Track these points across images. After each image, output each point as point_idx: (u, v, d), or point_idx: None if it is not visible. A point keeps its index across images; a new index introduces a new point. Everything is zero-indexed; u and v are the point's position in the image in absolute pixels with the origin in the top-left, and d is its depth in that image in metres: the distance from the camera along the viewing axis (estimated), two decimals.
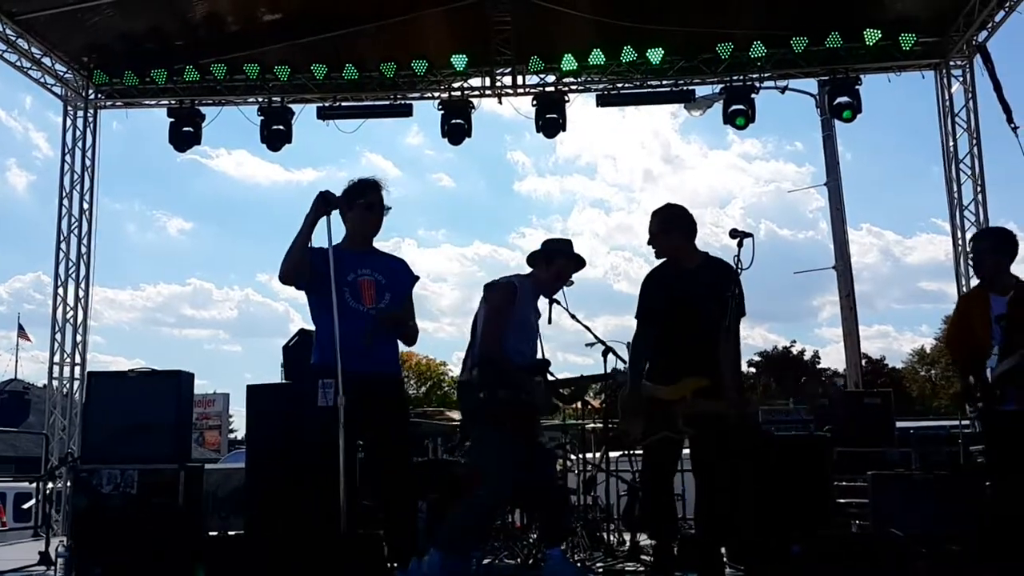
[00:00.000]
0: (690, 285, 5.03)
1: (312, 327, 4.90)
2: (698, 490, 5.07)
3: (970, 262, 10.48)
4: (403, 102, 11.56)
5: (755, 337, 69.76)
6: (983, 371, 5.23)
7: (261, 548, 4.78)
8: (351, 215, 4.84)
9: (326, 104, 11.51)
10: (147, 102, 12.01)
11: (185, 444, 6.74)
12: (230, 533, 6.61)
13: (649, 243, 5.21)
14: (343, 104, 11.56)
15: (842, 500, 7.19)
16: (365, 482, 4.94)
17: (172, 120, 11.64)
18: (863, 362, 15.88)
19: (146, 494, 6.09)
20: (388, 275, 4.87)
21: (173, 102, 11.73)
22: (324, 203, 4.61)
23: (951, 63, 11.02)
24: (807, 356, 44.68)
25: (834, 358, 49.48)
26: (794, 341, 46.70)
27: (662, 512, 5.14)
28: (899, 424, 9.67)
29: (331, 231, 4.65)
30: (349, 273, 4.72)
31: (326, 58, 11.11)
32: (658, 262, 5.25)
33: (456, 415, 7.85)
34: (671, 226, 5.16)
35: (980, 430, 6.16)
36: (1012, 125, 10.25)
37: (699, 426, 4.86)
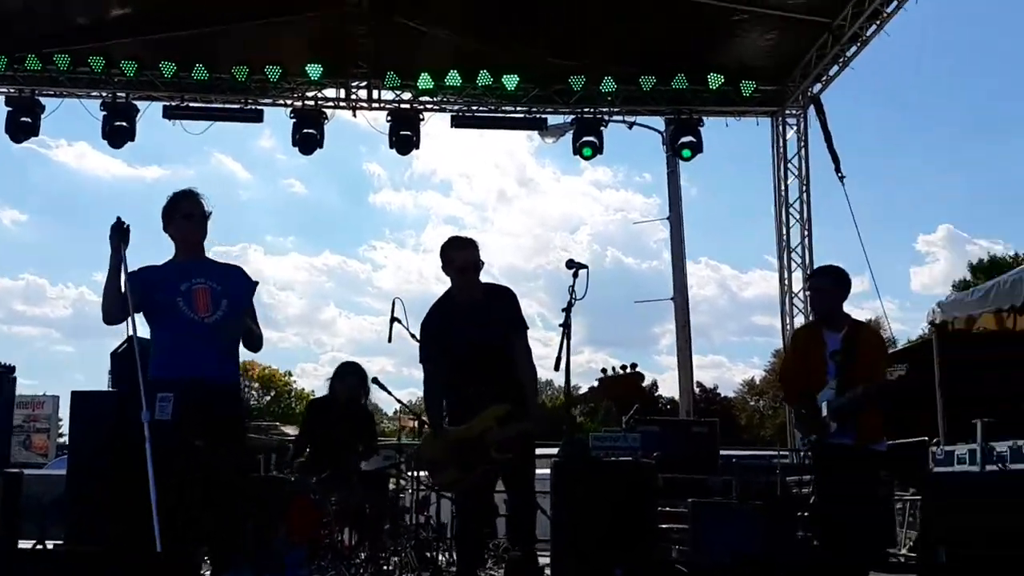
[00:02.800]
0: (471, 316, 5.13)
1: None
2: (513, 510, 5.18)
3: (799, 299, 11.21)
4: (254, 107, 11.35)
5: (598, 361, 71.36)
6: (814, 404, 5.38)
7: (70, 562, 4.55)
8: (172, 229, 4.74)
9: (173, 103, 11.17)
10: None
11: (3, 448, 6.37)
12: (47, 544, 6.28)
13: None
14: (191, 105, 11.25)
15: (665, 525, 7.43)
16: (195, 496, 4.80)
17: (10, 109, 11.10)
18: (697, 390, 16.48)
19: None
20: (223, 282, 4.73)
21: (12, 91, 11.17)
22: (119, 234, 4.50)
23: (787, 111, 11.67)
24: (646, 382, 46.10)
25: (671, 385, 51.15)
26: (635, 364, 47.95)
27: (475, 559, 5.29)
28: (725, 452, 10.08)
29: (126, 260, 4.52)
30: (182, 283, 4.60)
31: (176, 56, 10.80)
32: (439, 297, 5.35)
33: (293, 431, 7.72)
34: (442, 265, 5.26)
35: (809, 461, 6.39)
36: (839, 175, 10.94)
37: (513, 448, 4.94)
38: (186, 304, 4.57)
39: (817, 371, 5.40)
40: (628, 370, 5.09)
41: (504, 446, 4.91)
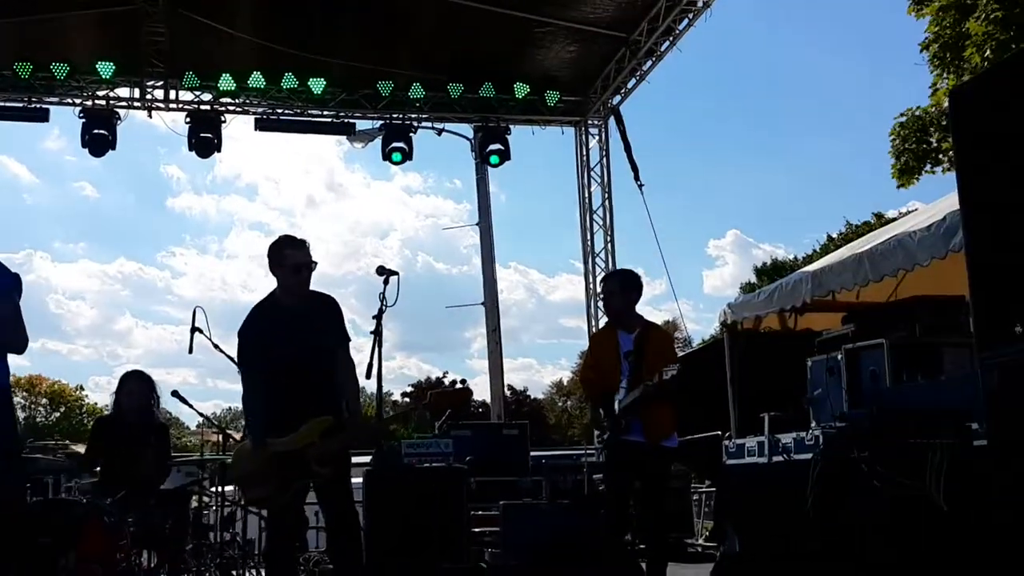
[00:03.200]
0: (295, 322, 4.93)
1: None
2: (332, 528, 5.05)
3: (600, 302, 11.56)
4: (39, 106, 10.63)
5: (410, 367, 71.43)
6: (612, 404, 5.56)
7: None
8: None
9: None
10: None
11: None
12: None
13: None
14: None
15: (478, 529, 7.48)
16: None
17: None
18: (508, 393, 16.70)
19: None
20: None
21: None
22: None
23: (589, 122, 12.04)
24: (458, 387, 46.21)
25: (482, 388, 51.72)
26: (447, 372, 48.27)
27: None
28: (535, 453, 10.27)
29: None
30: None
31: None
32: (261, 300, 5.12)
33: (82, 448, 7.27)
34: (271, 264, 5.04)
35: (603, 458, 6.61)
36: (639, 183, 11.38)
37: (333, 463, 4.80)
38: None
39: (612, 371, 5.60)
40: (458, 385, 5.12)
41: (324, 460, 4.75)
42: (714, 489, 9.97)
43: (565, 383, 50.34)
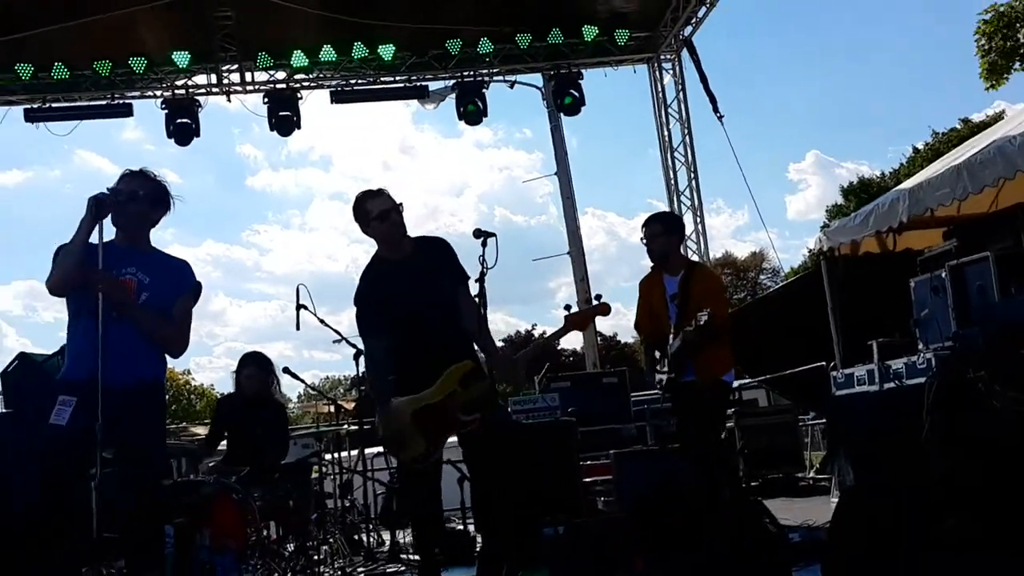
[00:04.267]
0: (405, 276, 4.81)
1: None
2: (475, 480, 5.04)
3: (692, 241, 11.44)
4: (122, 102, 10.89)
5: (496, 322, 71.85)
6: (666, 347, 5.55)
7: None
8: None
9: (35, 106, 10.64)
10: None
11: None
12: None
13: None
14: (54, 105, 10.73)
15: (588, 479, 7.53)
16: (107, 511, 4.58)
17: None
18: (598, 339, 16.70)
19: None
20: (154, 275, 4.28)
21: None
22: (98, 207, 4.03)
23: (662, 57, 11.80)
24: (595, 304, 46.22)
25: (572, 339, 51.80)
26: (535, 324, 48.40)
27: (438, 535, 5.07)
28: (634, 397, 10.27)
29: (103, 237, 4.07)
30: (112, 271, 4.11)
31: (33, 57, 10.26)
32: (368, 263, 5.01)
33: (202, 430, 7.54)
34: (360, 225, 4.97)
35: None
36: (718, 114, 11.16)
37: (481, 407, 4.65)
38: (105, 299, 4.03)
39: (662, 315, 5.59)
40: (596, 302, 4.90)
41: (470, 408, 4.62)
42: (821, 421, 9.85)
43: None
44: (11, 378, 6.66)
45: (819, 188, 62.50)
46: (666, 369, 5.54)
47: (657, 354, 5.66)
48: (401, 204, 4.91)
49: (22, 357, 6.71)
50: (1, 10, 9.74)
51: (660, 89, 11.93)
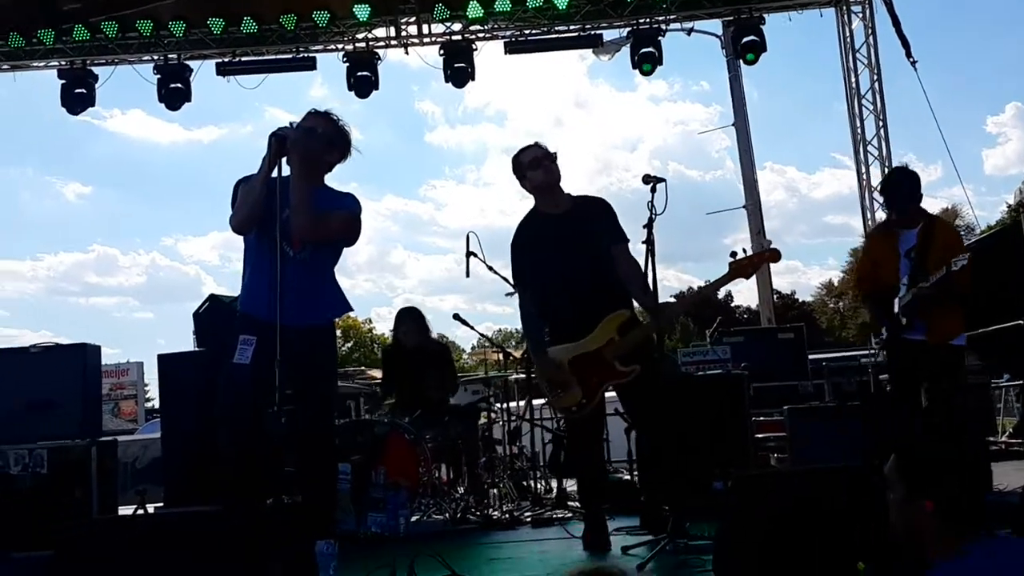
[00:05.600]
0: (563, 227, 4.84)
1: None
2: (641, 432, 4.99)
3: (878, 197, 10.86)
4: (306, 55, 11.22)
5: (669, 278, 71.08)
6: (890, 302, 5.32)
7: (177, 523, 4.62)
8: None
9: (225, 60, 11.13)
10: (35, 64, 11.44)
11: (95, 418, 6.49)
12: (148, 508, 6.43)
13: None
14: (243, 59, 11.18)
15: (760, 435, 7.34)
16: (288, 446, 4.77)
17: (63, 82, 11.13)
18: (775, 297, 16.22)
19: (57, 473, 5.87)
20: (325, 209, 4.35)
21: (63, 63, 11.20)
22: (277, 143, 4.11)
23: (851, 0, 11.16)
24: (720, 295, 45.65)
25: (746, 295, 50.69)
26: (708, 280, 47.54)
27: (602, 486, 5.04)
28: (811, 356, 9.92)
29: (281, 173, 4.16)
30: (285, 210, 4.15)
31: (223, 12, 10.71)
32: (524, 215, 5.06)
33: (378, 374, 7.79)
34: (518, 179, 4.99)
35: (885, 359, 6.30)
36: (911, 60, 10.47)
37: (639, 359, 4.66)
38: (283, 235, 4.11)
39: (890, 269, 5.34)
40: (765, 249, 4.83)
41: (628, 357, 4.64)
42: (1017, 383, 9.24)
43: (835, 283, 48.30)
44: (202, 318, 7.04)
45: (1020, 141, 58.25)
46: (888, 324, 5.32)
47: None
48: (555, 153, 4.88)
49: (212, 299, 7.09)
50: None
51: (848, 34, 11.31)
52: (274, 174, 4.17)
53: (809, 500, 3.22)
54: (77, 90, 11.13)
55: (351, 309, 4.68)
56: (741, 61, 11.42)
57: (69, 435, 6.04)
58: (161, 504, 6.52)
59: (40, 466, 5.88)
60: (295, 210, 4.18)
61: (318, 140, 4.35)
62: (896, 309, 5.26)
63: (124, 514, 6.13)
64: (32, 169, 73.52)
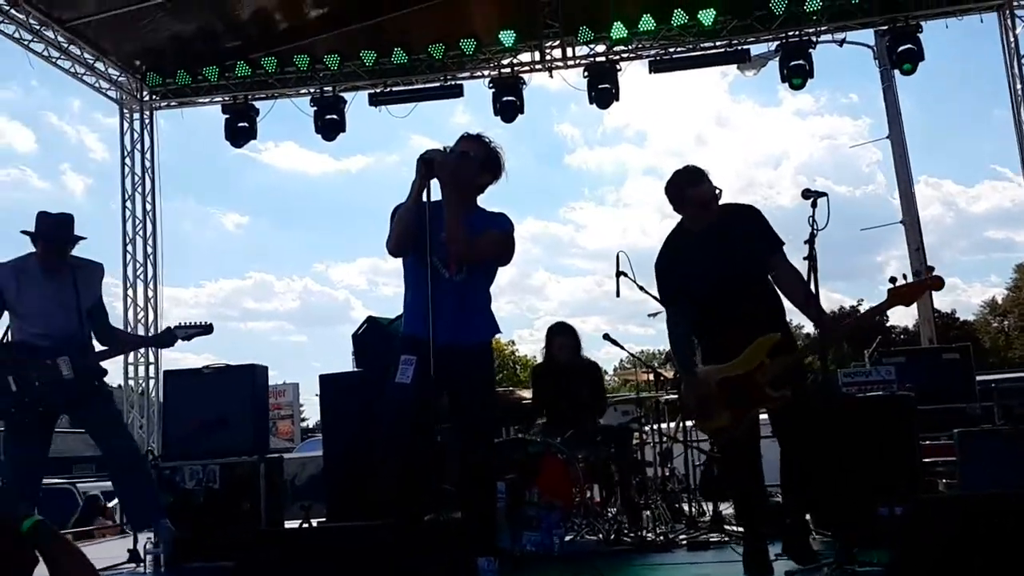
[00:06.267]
0: (711, 242, 4.66)
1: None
2: (784, 455, 4.84)
3: None
4: (453, 83, 11.49)
5: (824, 296, 68.79)
6: None
7: (341, 537, 4.75)
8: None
9: (377, 90, 11.51)
10: (201, 100, 12.12)
11: (263, 436, 6.79)
12: (312, 522, 6.65)
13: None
14: (394, 89, 11.54)
15: (927, 460, 7.02)
16: (448, 464, 4.84)
17: (227, 116, 11.73)
18: (935, 316, 15.54)
19: (228, 487, 6.16)
20: (478, 232, 4.39)
21: (227, 98, 11.81)
22: (425, 166, 4.21)
23: (1015, 3, 10.63)
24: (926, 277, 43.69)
25: (901, 314, 48.56)
26: (861, 300, 45.68)
27: (761, 509, 4.85)
28: (978, 377, 9.43)
29: (430, 197, 4.25)
30: (441, 232, 4.27)
31: (374, 44, 11.11)
32: (670, 232, 4.90)
33: (527, 393, 7.84)
34: (674, 206, 4.81)
35: None
36: None
37: (791, 383, 4.51)
38: (440, 259, 4.28)
39: None
40: (926, 275, 4.48)
41: (778, 382, 4.47)
42: None
43: (1000, 301, 45.81)
44: (362, 340, 7.27)
45: None
46: None
47: None
48: (720, 191, 4.76)
49: (370, 321, 7.32)
50: (346, 3, 10.61)
51: (1012, 39, 10.76)
52: (424, 197, 4.27)
53: (990, 526, 3.05)
54: (240, 124, 11.71)
55: (499, 331, 4.72)
56: (896, 71, 11.05)
57: (240, 451, 6.33)
58: (324, 519, 6.74)
59: (213, 481, 6.18)
60: (449, 234, 4.28)
61: (470, 163, 4.44)
62: None
63: (291, 527, 6.36)
64: (194, 200, 77.55)
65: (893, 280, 4.43)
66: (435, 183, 4.29)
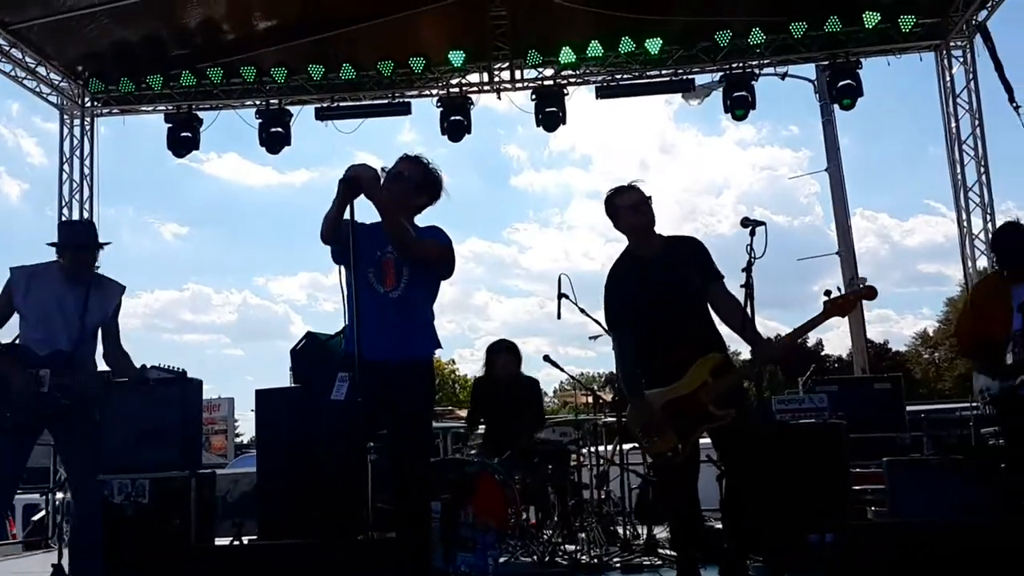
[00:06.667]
0: (657, 269, 4.81)
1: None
2: (727, 478, 4.90)
3: (980, 241, 10.57)
4: (401, 100, 11.50)
5: (758, 326, 69.68)
6: (1001, 356, 5.17)
7: (274, 555, 4.71)
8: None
9: (324, 105, 11.46)
10: (144, 108, 11.94)
11: (195, 451, 6.66)
12: (243, 539, 6.54)
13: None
14: (341, 104, 11.50)
15: (856, 487, 7.14)
16: (381, 482, 4.81)
17: (170, 126, 11.57)
18: (868, 346, 15.85)
19: (158, 503, 6.03)
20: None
21: (170, 108, 11.66)
22: (348, 188, 4.17)
23: (951, 44, 10.97)
24: (811, 343, 44.67)
25: (835, 344, 49.41)
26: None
27: (696, 534, 4.94)
28: (908, 408, 9.63)
29: (354, 215, 4.23)
30: (376, 251, 4.35)
31: (323, 59, 11.06)
32: (617, 258, 5.04)
33: (464, 412, 7.84)
34: (612, 220, 4.98)
35: (993, 413, 6.12)
36: (1014, 104, 10.20)
37: (734, 403, 4.59)
38: (375, 275, 4.35)
39: (1000, 322, 5.22)
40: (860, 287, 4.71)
41: (722, 401, 4.55)
42: None
43: (931, 333, 46.87)
44: (300, 355, 7.19)
45: None
46: (995, 379, 5.25)
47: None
48: (650, 197, 4.90)
49: (309, 336, 7.24)
50: (295, 16, 10.56)
51: (948, 79, 11.08)
52: (347, 214, 4.22)
53: (920, 554, 3.12)
54: (183, 133, 11.56)
55: (440, 346, 4.69)
56: (836, 105, 11.30)
57: (170, 466, 6.20)
58: (255, 536, 6.63)
59: (142, 496, 6.05)
60: (391, 232, 4.28)
61: (404, 184, 4.44)
62: (1009, 362, 5.12)
63: (221, 544, 6.24)
64: (132, 209, 76.27)
65: (828, 292, 4.58)
66: (370, 205, 4.27)
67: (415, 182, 4.50)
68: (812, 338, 44.41)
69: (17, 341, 5.44)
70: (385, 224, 4.29)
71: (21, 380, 5.19)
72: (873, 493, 7.17)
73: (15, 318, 5.45)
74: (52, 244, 5.48)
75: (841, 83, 10.63)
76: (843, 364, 37.49)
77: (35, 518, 11.77)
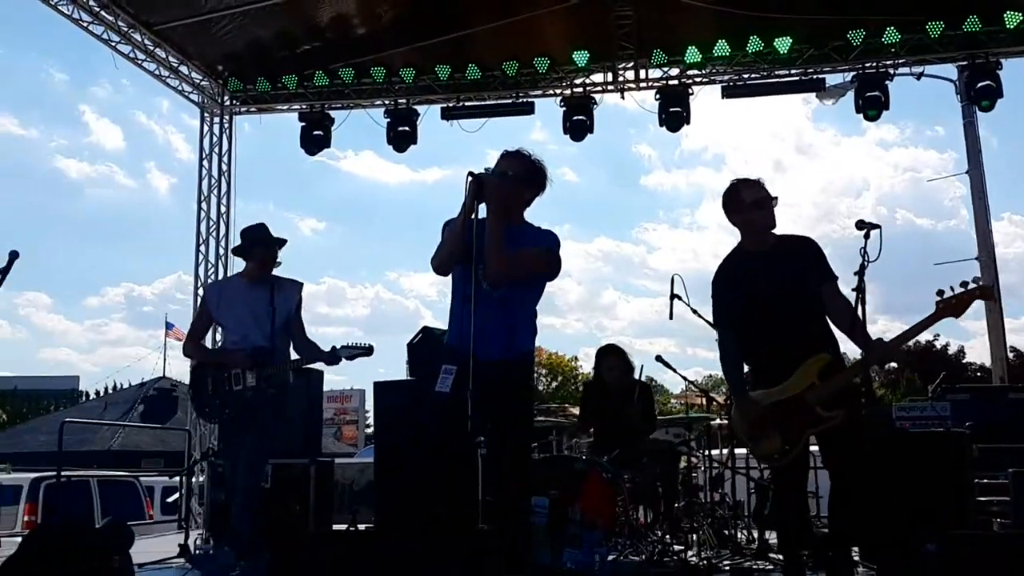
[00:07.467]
0: (767, 266, 4.70)
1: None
2: (834, 484, 4.80)
3: None
4: (525, 100, 11.60)
5: (895, 330, 66.98)
6: None
7: (386, 544, 4.85)
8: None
9: (450, 104, 11.67)
10: (279, 107, 12.38)
11: (315, 440, 6.95)
12: (359, 526, 6.77)
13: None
14: (466, 104, 11.68)
15: (983, 498, 6.89)
16: (487, 476, 4.90)
17: (303, 124, 11.97)
18: (1011, 355, 15.15)
19: (279, 487, 6.31)
20: (523, 246, 4.48)
21: (304, 106, 12.06)
22: (477, 186, 4.28)
23: None
24: (952, 350, 42.65)
25: (979, 351, 47.12)
26: (937, 335, 44.46)
27: (804, 537, 4.84)
28: None
29: (477, 215, 4.31)
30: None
31: (449, 59, 11.26)
32: (727, 254, 4.95)
33: (577, 410, 7.88)
34: (728, 213, 4.88)
35: None
36: None
37: (843, 405, 4.47)
38: (485, 273, 4.37)
39: None
40: (971, 285, 4.45)
41: (830, 402, 4.46)
42: None
43: None
44: (416, 349, 7.40)
45: None
46: None
47: None
48: (776, 197, 4.81)
49: (425, 331, 7.44)
50: (424, 17, 10.79)
51: None
52: (474, 215, 4.34)
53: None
54: (315, 132, 11.96)
55: (533, 345, 4.73)
56: (976, 107, 10.84)
57: (292, 454, 6.48)
58: (371, 524, 6.86)
59: (265, 480, 6.34)
60: (488, 252, 4.35)
61: (509, 183, 4.50)
62: None
63: (338, 530, 6.48)
64: (273, 204, 79.16)
65: (940, 292, 4.42)
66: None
67: (521, 178, 4.56)
68: (954, 345, 42.47)
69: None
70: (488, 234, 4.37)
71: (238, 359, 5.90)
72: (999, 504, 6.90)
73: None
74: (236, 250, 6.18)
75: (980, 84, 10.18)
76: (986, 372, 35.77)
77: (169, 500, 12.38)
